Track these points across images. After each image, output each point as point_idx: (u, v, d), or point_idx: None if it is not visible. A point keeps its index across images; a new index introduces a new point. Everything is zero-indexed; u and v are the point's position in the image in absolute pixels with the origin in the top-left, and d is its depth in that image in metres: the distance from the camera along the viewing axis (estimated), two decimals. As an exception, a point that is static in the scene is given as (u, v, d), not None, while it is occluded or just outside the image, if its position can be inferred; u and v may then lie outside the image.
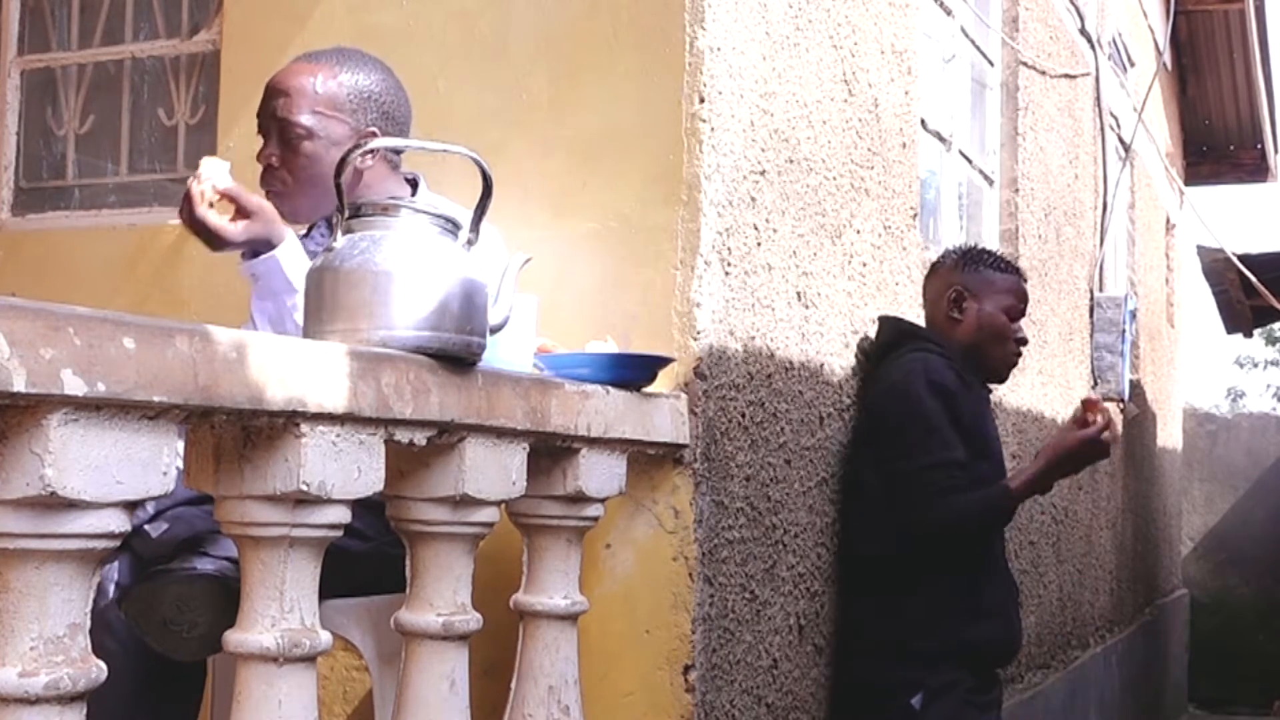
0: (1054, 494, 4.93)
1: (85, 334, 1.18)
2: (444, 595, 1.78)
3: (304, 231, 2.34)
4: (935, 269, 3.17)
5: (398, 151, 2.26)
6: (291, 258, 2.04)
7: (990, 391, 3.15)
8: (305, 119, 2.14)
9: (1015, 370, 3.17)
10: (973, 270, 3.06)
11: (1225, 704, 9.86)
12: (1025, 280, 3.12)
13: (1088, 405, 2.83)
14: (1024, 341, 3.07)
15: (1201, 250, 8.31)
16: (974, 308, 3.02)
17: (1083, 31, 5.63)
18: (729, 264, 2.40)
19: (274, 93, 2.17)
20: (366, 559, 2.03)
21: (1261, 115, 9.38)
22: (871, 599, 2.85)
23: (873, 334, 3.11)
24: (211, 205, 2.02)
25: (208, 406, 1.31)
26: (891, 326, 3.09)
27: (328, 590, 1.61)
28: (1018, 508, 2.92)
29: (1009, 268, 3.08)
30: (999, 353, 3.02)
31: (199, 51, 3.06)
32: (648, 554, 2.30)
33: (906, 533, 2.80)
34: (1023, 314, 3.08)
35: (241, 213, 2.02)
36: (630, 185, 2.36)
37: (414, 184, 2.27)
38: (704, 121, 2.32)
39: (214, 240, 2.02)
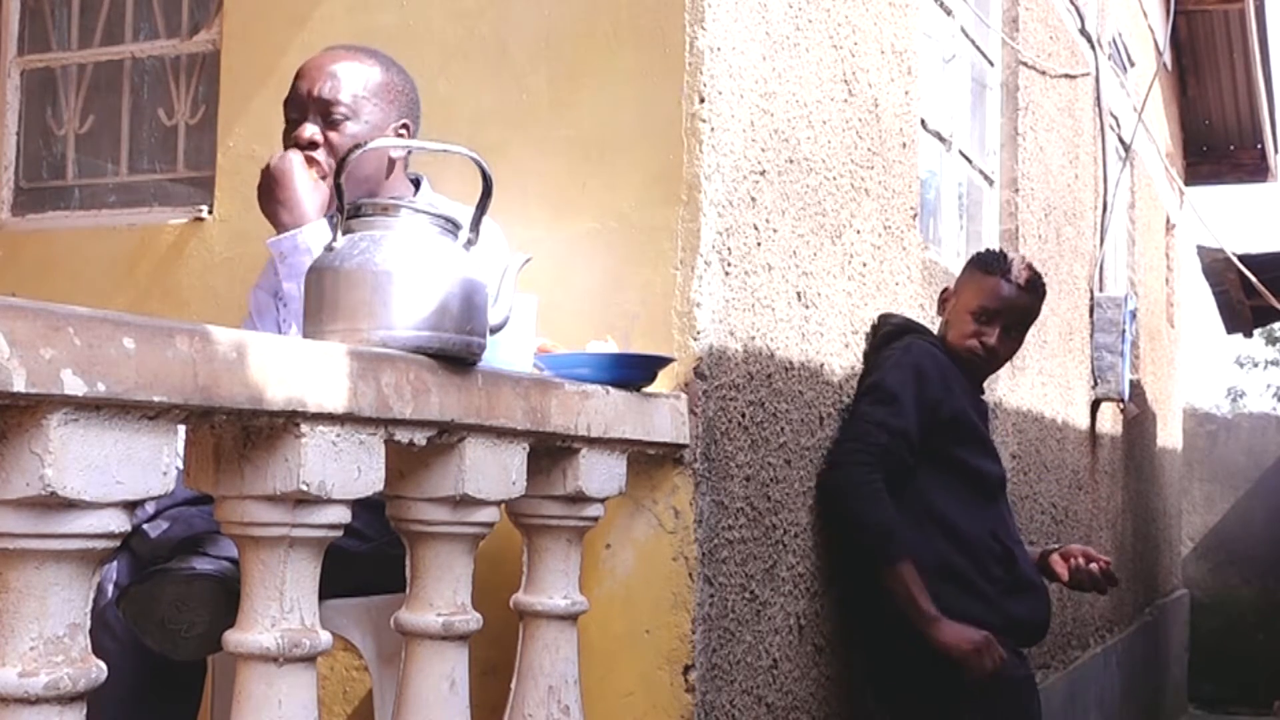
0: (1054, 493, 4.93)
1: (85, 334, 1.18)
2: (444, 595, 1.78)
3: None
4: None
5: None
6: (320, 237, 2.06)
7: (983, 393, 3.15)
8: (352, 100, 2.17)
9: (1017, 370, 3.17)
10: (966, 271, 3.11)
11: (1225, 704, 9.86)
12: (1018, 284, 3.00)
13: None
14: (989, 346, 2.98)
15: (1201, 250, 8.31)
16: (950, 304, 3.07)
17: (1083, 31, 5.63)
18: (729, 264, 2.40)
19: (316, 74, 2.18)
20: (366, 559, 2.03)
21: (1261, 115, 9.37)
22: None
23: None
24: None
25: (208, 406, 1.31)
26: (893, 320, 3.10)
27: (328, 590, 1.61)
28: (885, 572, 2.74)
29: (997, 269, 3.01)
30: (956, 342, 3.01)
31: (199, 51, 3.05)
32: (648, 554, 2.30)
33: (824, 468, 2.78)
34: (998, 316, 2.98)
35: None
36: (630, 185, 2.36)
37: (416, 184, 2.29)
38: (704, 121, 2.32)
39: (293, 185, 2.09)
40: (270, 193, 2.11)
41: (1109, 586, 3.09)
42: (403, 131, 2.22)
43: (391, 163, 2.24)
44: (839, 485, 2.77)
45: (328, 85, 2.17)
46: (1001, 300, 3.00)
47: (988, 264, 3.06)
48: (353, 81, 2.18)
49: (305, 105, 2.18)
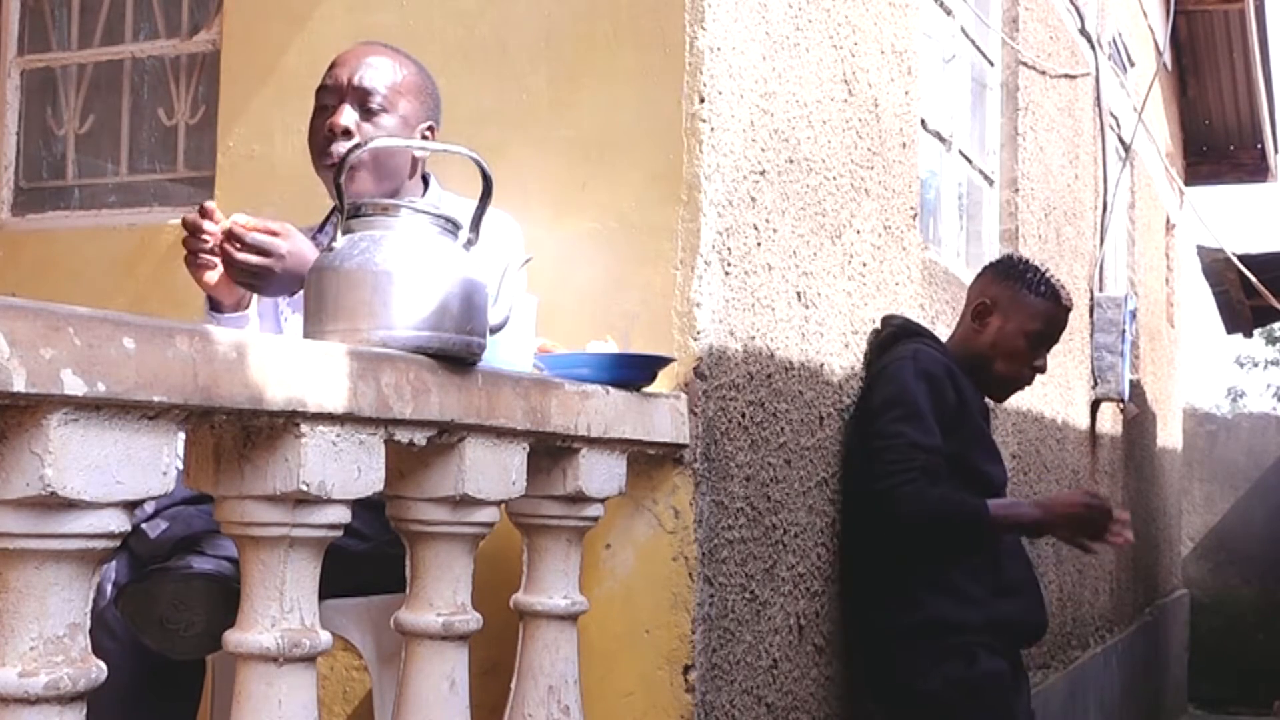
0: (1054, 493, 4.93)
1: (85, 334, 1.18)
2: (444, 595, 1.78)
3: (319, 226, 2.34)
4: (981, 273, 3.17)
5: None
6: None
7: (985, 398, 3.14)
8: (389, 92, 2.16)
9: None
10: (1008, 285, 3.02)
11: (1225, 704, 9.87)
12: (1067, 308, 3.02)
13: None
14: (1040, 369, 3.01)
15: (1201, 250, 8.32)
16: (996, 324, 2.99)
17: (1083, 31, 5.63)
18: (729, 264, 2.40)
19: (356, 63, 2.17)
20: (366, 559, 2.03)
21: (1261, 115, 9.38)
22: (896, 595, 2.84)
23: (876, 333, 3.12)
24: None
25: (208, 406, 1.31)
26: (894, 323, 3.10)
27: (328, 590, 1.61)
28: (990, 536, 2.82)
29: (1048, 293, 2.99)
30: (1007, 373, 2.99)
31: (199, 51, 3.06)
32: (648, 554, 2.30)
33: (883, 508, 2.79)
34: (1051, 341, 3.02)
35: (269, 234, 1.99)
36: (630, 185, 2.36)
37: (425, 181, 2.30)
38: (704, 121, 2.32)
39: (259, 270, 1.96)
40: (283, 282, 1.99)
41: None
42: (428, 133, 2.23)
43: (415, 162, 2.24)
44: (903, 513, 2.74)
45: (368, 74, 2.16)
46: (1058, 327, 3.03)
47: (1041, 290, 2.99)
48: (391, 74, 2.18)
49: (343, 92, 2.16)
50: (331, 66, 2.20)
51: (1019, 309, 2.98)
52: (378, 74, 2.17)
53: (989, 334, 3.00)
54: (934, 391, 2.83)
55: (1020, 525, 2.89)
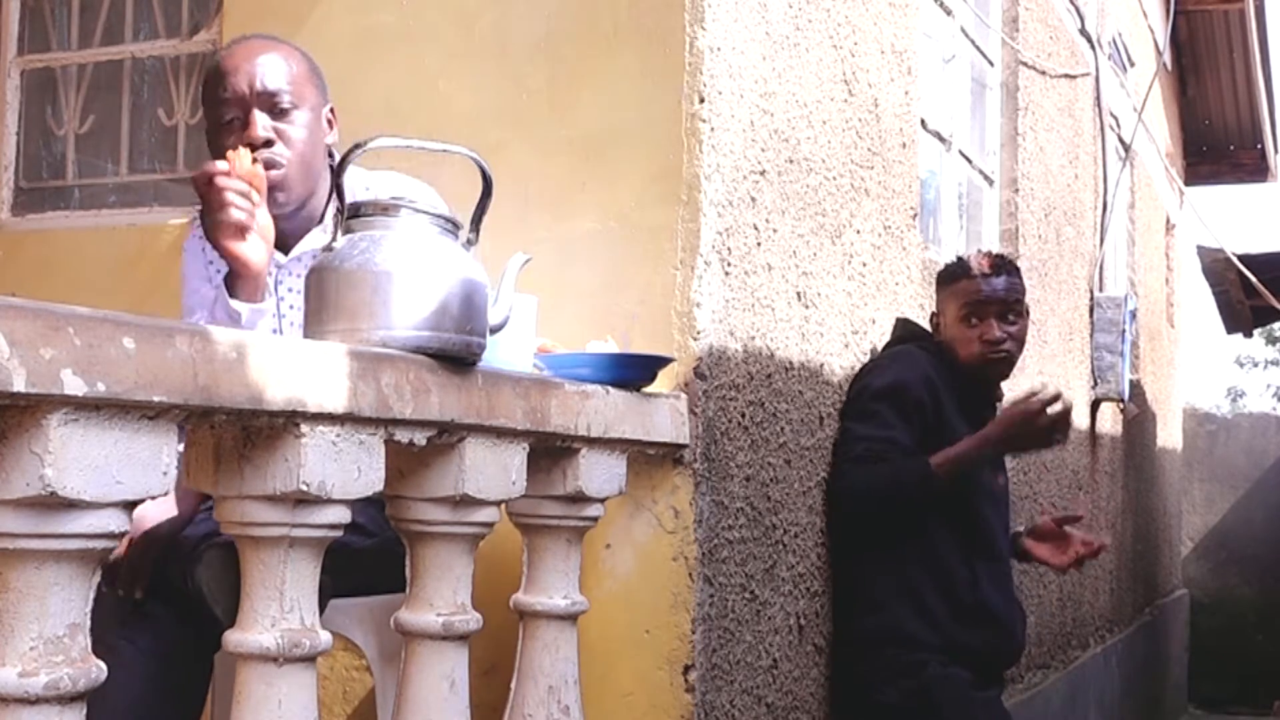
0: (1054, 493, 4.93)
1: (85, 334, 1.18)
2: (444, 595, 1.78)
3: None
4: None
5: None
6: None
7: (996, 403, 3.12)
8: (292, 86, 2.08)
9: (1015, 370, 3.12)
10: (937, 291, 3.11)
11: (1225, 704, 9.86)
12: (983, 273, 2.96)
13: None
14: (992, 341, 2.93)
15: (1201, 250, 8.32)
16: (943, 325, 3.04)
17: (1083, 31, 5.63)
18: (729, 264, 2.40)
19: (250, 67, 2.07)
20: (372, 555, 2.02)
21: (1261, 115, 9.38)
22: (862, 599, 2.85)
23: (877, 335, 3.12)
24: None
25: (208, 406, 1.31)
26: (901, 327, 3.12)
27: (335, 588, 1.61)
28: (942, 485, 2.77)
29: (957, 272, 3.01)
30: (968, 357, 2.96)
31: (199, 51, 3.06)
32: (648, 554, 2.30)
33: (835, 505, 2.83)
34: (985, 309, 2.94)
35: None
36: (630, 185, 2.36)
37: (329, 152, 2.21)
38: (704, 121, 2.32)
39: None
40: (253, 278, 1.99)
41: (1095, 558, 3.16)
42: (331, 115, 2.17)
43: (328, 149, 2.17)
44: (846, 503, 2.81)
45: (267, 75, 2.06)
46: (977, 293, 2.96)
47: (950, 274, 3.05)
48: (287, 68, 2.09)
49: (247, 102, 2.06)
50: (221, 76, 2.08)
51: (945, 303, 3.04)
52: (275, 72, 2.07)
53: (945, 337, 3.03)
54: (896, 391, 2.84)
55: (968, 460, 2.82)
